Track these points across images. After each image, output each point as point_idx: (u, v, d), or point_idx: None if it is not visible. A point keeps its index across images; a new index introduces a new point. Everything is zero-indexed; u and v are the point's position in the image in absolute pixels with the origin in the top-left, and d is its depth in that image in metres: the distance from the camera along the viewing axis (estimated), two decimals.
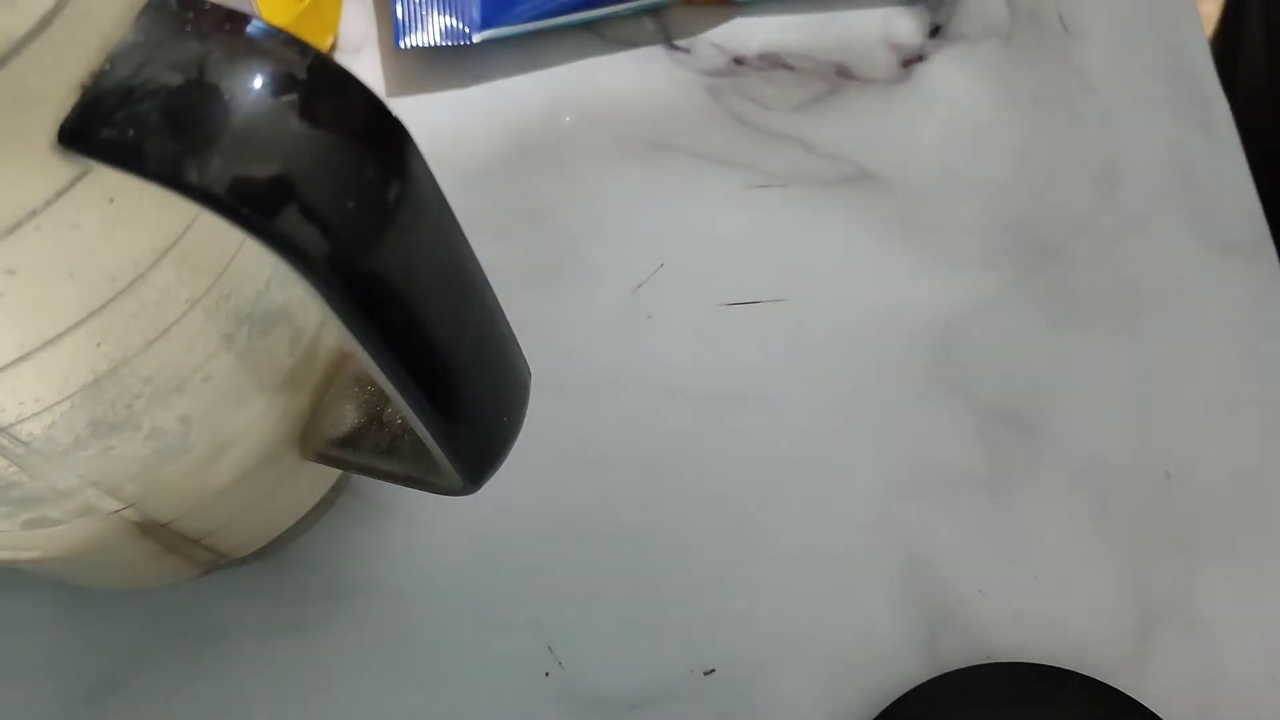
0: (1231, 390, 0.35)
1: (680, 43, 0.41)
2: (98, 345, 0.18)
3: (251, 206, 0.15)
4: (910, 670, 0.31)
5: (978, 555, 0.32)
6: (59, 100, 0.14)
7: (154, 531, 0.25)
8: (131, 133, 0.14)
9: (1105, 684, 0.29)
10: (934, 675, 0.30)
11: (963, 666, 0.30)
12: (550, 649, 0.31)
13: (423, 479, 0.25)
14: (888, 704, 0.30)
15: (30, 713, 0.30)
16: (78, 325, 0.18)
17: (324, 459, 0.26)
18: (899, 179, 0.38)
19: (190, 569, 0.29)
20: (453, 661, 0.31)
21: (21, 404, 0.18)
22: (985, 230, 0.37)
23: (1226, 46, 0.57)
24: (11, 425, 0.19)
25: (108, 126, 0.14)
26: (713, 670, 0.31)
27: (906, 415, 0.34)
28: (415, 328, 0.18)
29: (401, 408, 0.20)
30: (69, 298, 0.17)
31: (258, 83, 0.15)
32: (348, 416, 0.26)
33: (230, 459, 0.24)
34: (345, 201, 0.15)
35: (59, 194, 0.15)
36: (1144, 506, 0.33)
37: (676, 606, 0.32)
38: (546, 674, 0.31)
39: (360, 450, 0.26)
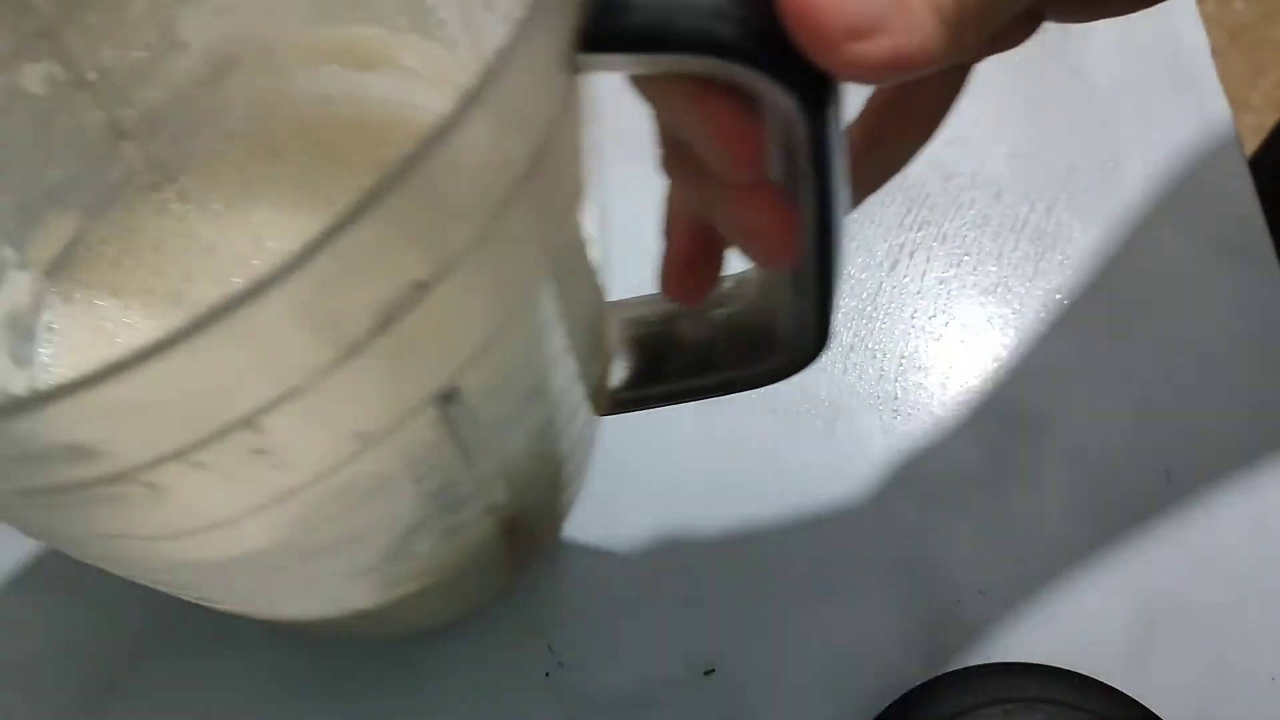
0: (1231, 390, 0.35)
1: None
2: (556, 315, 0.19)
3: (762, 54, 0.17)
4: (910, 670, 0.31)
5: (978, 555, 0.32)
6: (570, 14, 0.16)
7: (513, 528, 0.24)
8: (653, 16, 0.16)
9: (1105, 684, 0.29)
10: (934, 675, 0.30)
11: (963, 666, 0.30)
12: (550, 649, 0.31)
13: (743, 374, 0.26)
14: (888, 704, 0.30)
15: (30, 713, 0.30)
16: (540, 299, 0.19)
17: (622, 406, 0.27)
18: (898, 179, 0.38)
19: (504, 582, 0.29)
20: (453, 661, 0.31)
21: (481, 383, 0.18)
22: (985, 230, 0.37)
23: None
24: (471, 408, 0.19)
25: (626, 20, 0.16)
26: (713, 670, 0.31)
27: (906, 414, 0.34)
28: (839, 175, 0.20)
29: (804, 264, 0.21)
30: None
31: None
32: (635, 362, 0.27)
33: (569, 436, 0.24)
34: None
35: (565, 109, 0.17)
36: (1144, 506, 0.33)
37: (676, 606, 0.32)
38: (547, 674, 0.31)
39: (662, 381, 0.27)
